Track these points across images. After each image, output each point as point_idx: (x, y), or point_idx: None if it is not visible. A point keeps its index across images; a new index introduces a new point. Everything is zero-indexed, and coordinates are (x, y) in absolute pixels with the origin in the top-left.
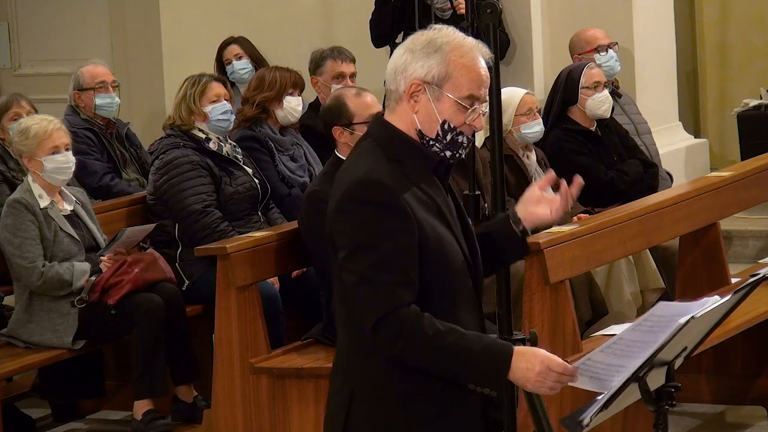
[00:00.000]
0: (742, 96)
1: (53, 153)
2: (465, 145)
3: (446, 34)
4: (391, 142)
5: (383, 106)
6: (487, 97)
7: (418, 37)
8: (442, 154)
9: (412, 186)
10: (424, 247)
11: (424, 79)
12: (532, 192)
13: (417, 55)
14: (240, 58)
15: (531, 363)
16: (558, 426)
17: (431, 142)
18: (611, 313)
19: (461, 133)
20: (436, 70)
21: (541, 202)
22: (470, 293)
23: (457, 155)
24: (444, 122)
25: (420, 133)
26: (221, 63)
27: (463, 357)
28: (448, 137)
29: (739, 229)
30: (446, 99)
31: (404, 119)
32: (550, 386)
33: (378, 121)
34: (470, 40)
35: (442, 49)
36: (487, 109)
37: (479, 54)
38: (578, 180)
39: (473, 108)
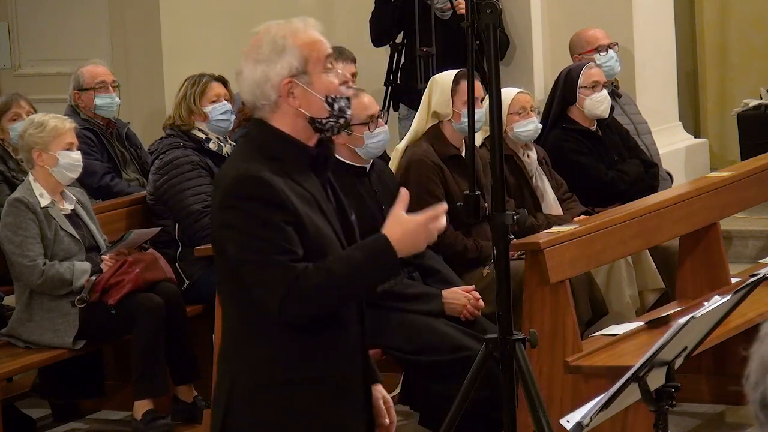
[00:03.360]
0: (742, 96)
1: (68, 149)
2: (348, 106)
3: (278, 29)
4: (269, 143)
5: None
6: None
7: (258, 47)
8: (337, 124)
9: (290, 182)
10: (303, 238)
11: (290, 74)
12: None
13: (270, 61)
14: None
15: (403, 227)
16: (558, 426)
17: (326, 121)
18: (611, 313)
19: (341, 97)
20: (295, 62)
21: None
22: None
23: (348, 119)
24: (327, 96)
25: (312, 120)
26: None
27: (359, 275)
28: (336, 107)
29: (739, 229)
30: (315, 77)
31: (288, 118)
32: (433, 232)
33: (257, 124)
34: (296, 21)
35: (286, 43)
36: None
37: (310, 27)
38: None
39: (335, 67)
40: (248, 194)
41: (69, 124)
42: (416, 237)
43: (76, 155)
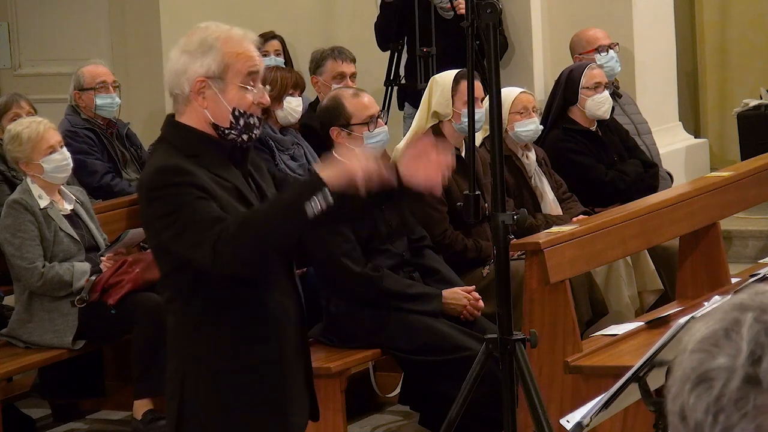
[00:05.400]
0: (742, 96)
1: (49, 153)
2: (257, 125)
3: (215, 30)
4: (185, 141)
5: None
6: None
7: (191, 39)
8: (239, 139)
9: (211, 174)
10: None
11: (206, 75)
12: (420, 147)
13: (194, 55)
14: (279, 54)
15: (333, 162)
16: (558, 426)
17: (227, 131)
18: (611, 313)
19: (252, 115)
20: (215, 65)
21: (422, 157)
22: (278, 265)
23: (254, 136)
24: (234, 109)
25: (215, 126)
26: None
27: (283, 203)
28: (241, 122)
29: (739, 229)
30: (230, 87)
31: (196, 116)
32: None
33: (170, 123)
34: (237, 30)
35: (215, 45)
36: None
37: (248, 40)
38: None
39: (256, 86)
40: (166, 182)
41: (44, 127)
42: (356, 158)
43: (60, 156)
